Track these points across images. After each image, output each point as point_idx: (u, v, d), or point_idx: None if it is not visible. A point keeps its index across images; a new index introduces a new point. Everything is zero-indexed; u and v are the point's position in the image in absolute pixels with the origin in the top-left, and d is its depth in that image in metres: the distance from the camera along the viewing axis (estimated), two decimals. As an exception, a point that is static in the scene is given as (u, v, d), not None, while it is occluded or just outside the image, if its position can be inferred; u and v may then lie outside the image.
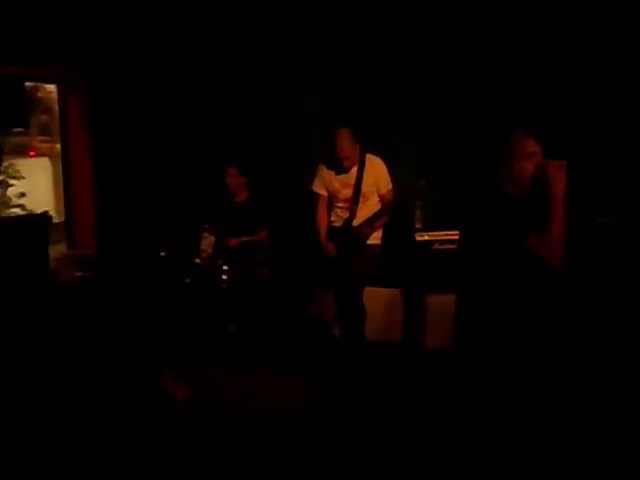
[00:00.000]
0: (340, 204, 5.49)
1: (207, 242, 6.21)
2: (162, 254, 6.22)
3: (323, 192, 5.55)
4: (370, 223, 5.36)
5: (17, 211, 6.81)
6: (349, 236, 5.41)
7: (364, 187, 5.38)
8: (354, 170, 5.37)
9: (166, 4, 6.50)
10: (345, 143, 5.28)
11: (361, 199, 5.40)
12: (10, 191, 6.38)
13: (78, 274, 6.08)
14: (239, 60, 6.68)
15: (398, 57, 6.18)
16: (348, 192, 5.41)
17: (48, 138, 7.36)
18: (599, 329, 4.29)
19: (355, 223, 5.41)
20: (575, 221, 3.51)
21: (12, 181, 6.45)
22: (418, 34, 6.09)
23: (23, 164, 6.31)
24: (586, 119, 5.51)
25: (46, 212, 5.60)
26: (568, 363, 3.62)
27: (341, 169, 5.40)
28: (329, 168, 5.47)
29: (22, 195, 6.83)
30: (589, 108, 5.53)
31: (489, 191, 3.66)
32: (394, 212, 5.42)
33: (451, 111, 6.11)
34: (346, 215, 5.44)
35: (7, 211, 6.89)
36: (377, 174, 5.39)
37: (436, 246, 5.77)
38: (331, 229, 5.54)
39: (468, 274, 3.88)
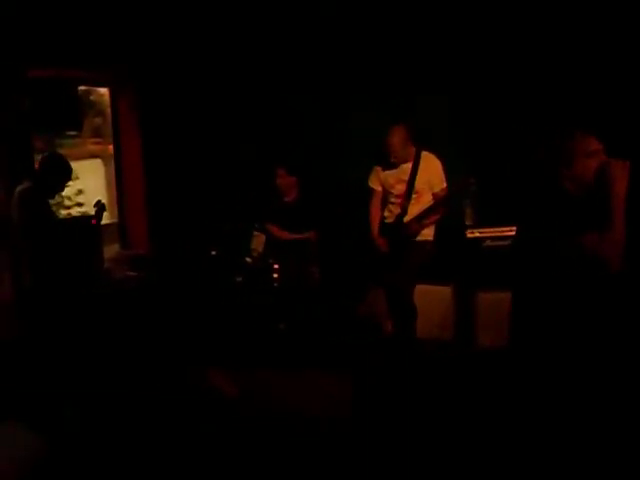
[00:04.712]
0: (393, 200, 5.51)
1: (258, 241, 6.26)
2: (213, 253, 6.28)
3: (378, 187, 5.59)
4: (419, 220, 5.37)
5: (75, 210, 6.96)
6: (400, 232, 5.41)
7: (417, 184, 5.39)
8: (409, 166, 5.38)
9: (211, 5, 6.55)
10: (396, 141, 5.31)
11: (414, 196, 5.42)
12: (67, 191, 6.48)
13: (131, 274, 6.17)
14: (290, 58, 6.70)
15: (445, 56, 6.12)
16: (402, 188, 5.44)
17: (100, 140, 7.48)
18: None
19: (406, 219, 5.41)
20: (636, 220, 3.44)
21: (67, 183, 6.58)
22: (464, 32, 6.03)
23: (77, 166, 6.41)
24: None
25: (99, 201, 5.67)
26: (629, 364, 3.54)
27: (393, 165, 5.43)
28: (384, 164, 5.50)
29: (80, 192, 6.95)
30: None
31: (548, 189, 3.61)
32: (446, 210, 5.40)
33: (498, 109, 6.03)
34: (398, 211, 5.45)
35: (64, 212, 7.04)
36: (431, 172, 5.39)
37: (487, 243, 5.71)
38: (383, 225, 5.56)
39: (526, 272, 3.83)
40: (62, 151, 6.14)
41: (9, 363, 4.63)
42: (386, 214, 5.59)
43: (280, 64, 6.72)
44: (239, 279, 6.13)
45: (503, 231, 5.61)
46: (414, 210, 5.42)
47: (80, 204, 7.27)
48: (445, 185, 5.37)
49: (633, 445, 3.38)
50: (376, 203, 5.63)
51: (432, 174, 5.40)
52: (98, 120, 7.38)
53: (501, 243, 5.59)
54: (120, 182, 6.92)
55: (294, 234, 6.15)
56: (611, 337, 3.53)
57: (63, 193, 6.49)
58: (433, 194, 5.38)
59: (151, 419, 4.18)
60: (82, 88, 6.70)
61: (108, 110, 6.93)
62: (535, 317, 3.81)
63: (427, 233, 5.48)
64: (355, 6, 6.25)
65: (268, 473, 3.74)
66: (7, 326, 5.06)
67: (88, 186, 7.18)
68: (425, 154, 5.41)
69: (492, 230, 5.72)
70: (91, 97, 7.23)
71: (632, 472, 3.30)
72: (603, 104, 5.28)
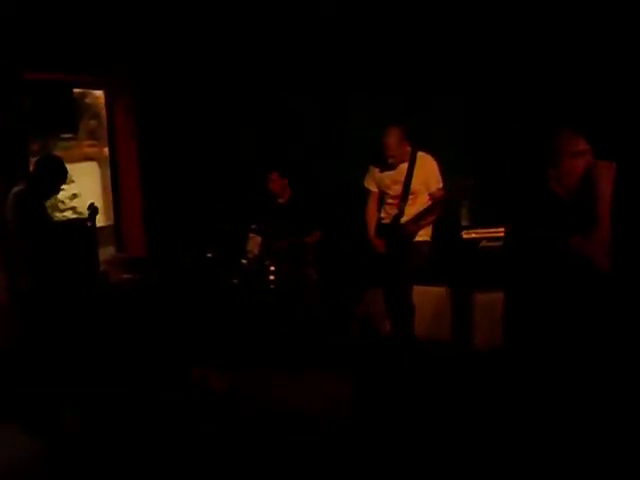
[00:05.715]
0: (390, 200, 5.52)
1: (254, 243, 6.26)
2: (209, 255, 6.27)
3: (374, 188, 5.60)
4: (416, 221, 5.37)
5: (69, 214, 6.94)
6: (397, 233, 5.42)
7: (414, 184, 5.39)
8: (404, 167, 5.38)
9: (209, 6, 6.55)
10: (392, 142, 5.31)
11: (410, 196, 5.42)
12: (61, 195, 6.47)
13: (127, 276, 6.15)
14: (290, 58, 6.71)
15: (445, 56, 6.14)
16: (398, 188, 5.44)
17: (96, 143, 7.47)
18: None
19: (403, 220, 5.42)
20: (623, 221, 3.45)
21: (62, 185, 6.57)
22: (463, 33, 6.06)
23: (72, 168, 6.40)
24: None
25: (92, 204, 5.66)
26: (619, 363, 3.56)
27: (389, 166, 5.42)
28: (379, 164, 5.50)
29: (74, 196, 6.94)
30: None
31: (535, 190, 3.63)
32: (442, 210, 5.41)
33: (497, 110, 6.06)
34: (395, 212, 5.45)
35: (59, 215, 7.02)
36: (427, 172, 5.40)
37: (483, 243, 5.73)
38: (380, 226, 5.56)
39: (515, 272, 3.85)
40: (57, 154, 6.10)
41: (8, 364, 4.63)
42: (383, 215, 5.60)
43: (280, 64, 6.73)
44: (235, 281, 6.12)
45: (499, 232, 5.63)
46: (411, 211, 5.42)
47: (74, 208, 7.26)
48: (441, 185, 5.38)
49: (627, 442, 3.41)
50: (372, 204, 5.64)
51: (428, 174, 5.40)
52: (93, 122, 7.37)
53: (497, 244, 5.61)
54: (116, 184, 6.90)
55: (291, 235, 6.14)
56: (603, 336, 3.55)
57: (58, 196, 6.48)
58: (429, 194, 5.39)
59: (150, 419, 4.18)
60: (77, 91, 6.69)
61: (103, 112, 6.92)
62: (527, 316, 3.84)
63: (424, 234, 5.49)
64: (355, 6, 6.27)
65: (268, 473, 3.74)
66: (4, 328, 5.05)
67: (83, 189, 7.16)
68: (421, 154, 5.41)
69: (488, 231, 5.73)
70: (86, 100, 7.22)
71: (629, 471, 3.31)
72: (601, 106, 5.31)
